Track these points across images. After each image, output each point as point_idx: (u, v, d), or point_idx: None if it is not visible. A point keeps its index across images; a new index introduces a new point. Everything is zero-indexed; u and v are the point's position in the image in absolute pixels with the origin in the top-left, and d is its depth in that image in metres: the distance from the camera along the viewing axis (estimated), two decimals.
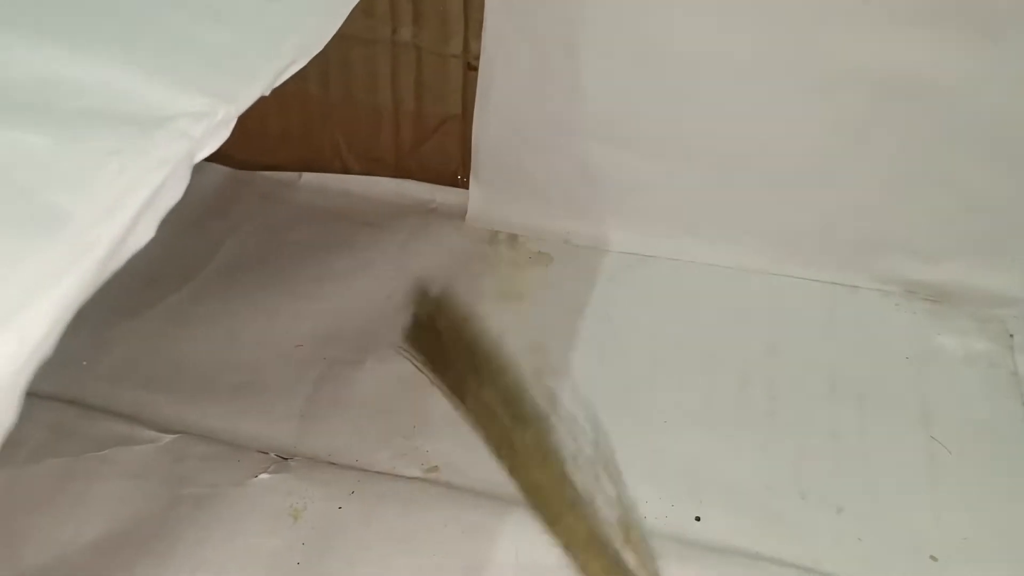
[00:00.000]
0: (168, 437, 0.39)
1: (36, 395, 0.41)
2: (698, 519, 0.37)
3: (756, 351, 0.45)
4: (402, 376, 0.43)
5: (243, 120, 0.60)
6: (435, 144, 0.54)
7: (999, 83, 0.42)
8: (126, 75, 0.25)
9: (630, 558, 0.34)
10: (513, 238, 0.52)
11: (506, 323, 0.46)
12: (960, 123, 0.44)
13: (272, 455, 0.39)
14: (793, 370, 0.44)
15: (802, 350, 0.45)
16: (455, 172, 0.54)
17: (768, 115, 0.47)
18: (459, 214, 0.53)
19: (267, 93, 0.26)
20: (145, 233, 0.22)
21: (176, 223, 0.58)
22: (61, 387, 0.41)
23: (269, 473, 0.38)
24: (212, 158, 0.58)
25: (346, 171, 0.56)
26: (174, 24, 0.28)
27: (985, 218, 0.47)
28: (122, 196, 0.21)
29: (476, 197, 0.53)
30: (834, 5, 0.43)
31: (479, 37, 0.48)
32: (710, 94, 0.47)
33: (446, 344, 0.43)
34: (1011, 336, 0.46)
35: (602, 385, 0.43)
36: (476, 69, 0.49)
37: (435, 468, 0.39)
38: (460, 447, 0.40)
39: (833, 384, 0.44)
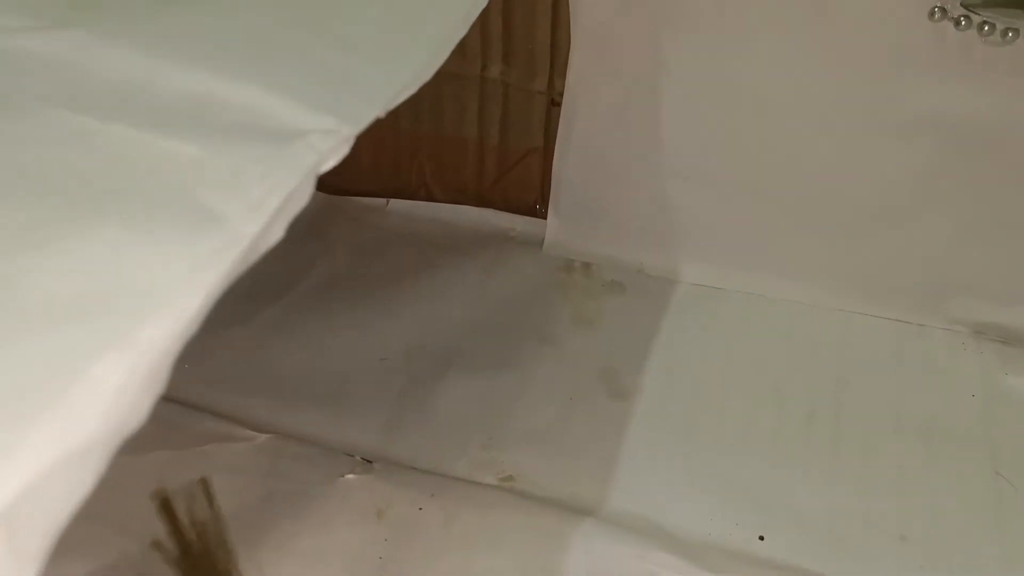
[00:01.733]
0: (263, 436, 0.42)
1: None
2: (762, 538, 0.39)
3: (824, 383, 0.46)
4: (480, 391, 0.46)
5: None
6: (517, 176, 0.56)
7: None
8: (267, 95, 0.28)
9: None
10: (587, 267, 0.54)
11: (578, 348, 0.48)
12: None
13: (358, 458, 0.41)
14: (860, 402, 0.45)
15: (869, 384, 0.46)
16: (535, 203, 0.57)
17: (843, 157, 0.49)
18: (537, 242, 0.56)
19: (382, 115, 0.29)
20: (277, 232, 0.25)
21: (275, 245, 0.61)
22: (168, 387, 0.44)
23: (355, 474, 0.40)
24: None
25: (431, 199, 0.59)
26: (309, 49, 0.31)
27: None
28: (263, 198, 0.24)
29: (554, 227, 0.55)
30: (909, 54, 0.44)
31: (564, 75, 0.51)
32: (786, 135, 0.49)
33: None
34: None
35: (671, 410, 0.45)
36: (560, 105, 0.52)
37: (510, 478, 0.41)
38: (534, 459, 0.42)
39: (899, 417, 0.44)
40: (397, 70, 0.31)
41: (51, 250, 0.22)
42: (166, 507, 0.38)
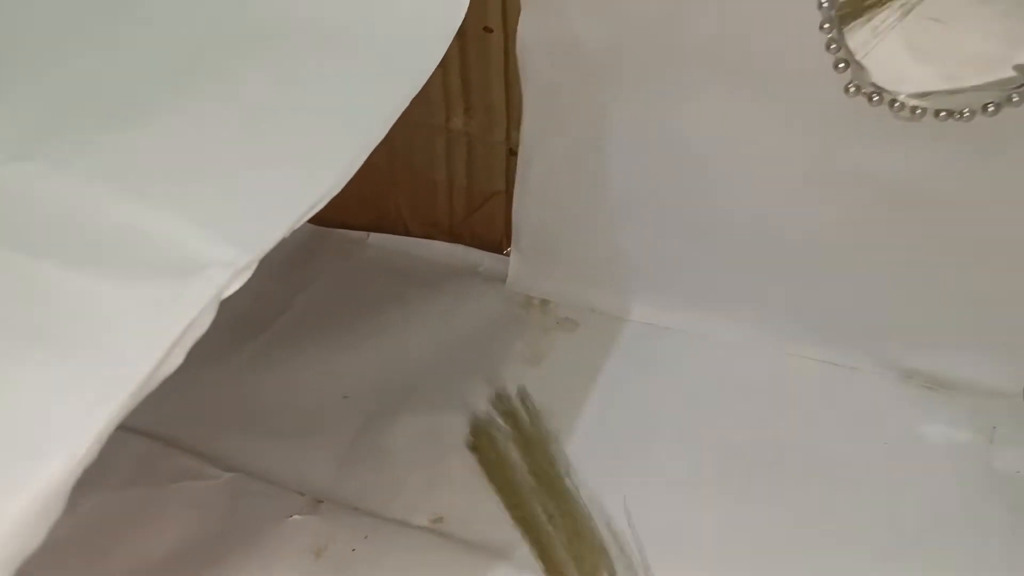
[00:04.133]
0: (228, 475, 0.47)
1: (128, 429, 0.50)
2: None
3: (746, 427, 0.50)
4: (429, 431, 0.50)
5: None
6: (483, 216, 0.60)
7: (990, 195, 0.46)
8: (179, 226, 0.32)
9: None
10: (545, 303, 0.58)
11: (525, 384, 0.53)
12: (956, 228, 0.47)
13: (308, 497, 0.46)
14: (776, 447, 0.49)
15: (788, 429, 0.50)
16: (500, 241, 0.61)
17: (780, 206, 0.51)
18: (502, 279, 0.60)
19: (287, 235, 0.34)
20: (175, 360, 0.30)
21: (261, 275, 0.67)
22: (149, 423, 0.50)
23: (302, 515, 0.45)
24: None
25: (408, 234, 0.63)
26: (228, 173, 0.35)
27: (979, 314, 0.50)
28: (159, 334, 0.29)
29: (515, 265, 0.59)
30: (834, 117, 0.47)
31: (519, 127, 0.54)
32: (726, 185, 0.52)
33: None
34: (994, 428, 0.49)
35: (598, 450, 0.49)
36: (517, 154, 0.56)
37: (440, 519, 0.46)
38: (466, 502, 0.46)
39: (811, 464, 0.48)
40: (310, 192, 0.35)
41: None
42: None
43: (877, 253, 0.50)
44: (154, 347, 0.29)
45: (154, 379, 0.29)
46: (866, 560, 0.44)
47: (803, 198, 0.50)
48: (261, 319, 0.58)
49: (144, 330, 0.29)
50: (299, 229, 0.69)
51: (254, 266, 0.32)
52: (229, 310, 0.62)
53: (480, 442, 0.49)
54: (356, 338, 0.57)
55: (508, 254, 0.59)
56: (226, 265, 0.31)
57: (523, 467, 0.47)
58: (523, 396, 0.51)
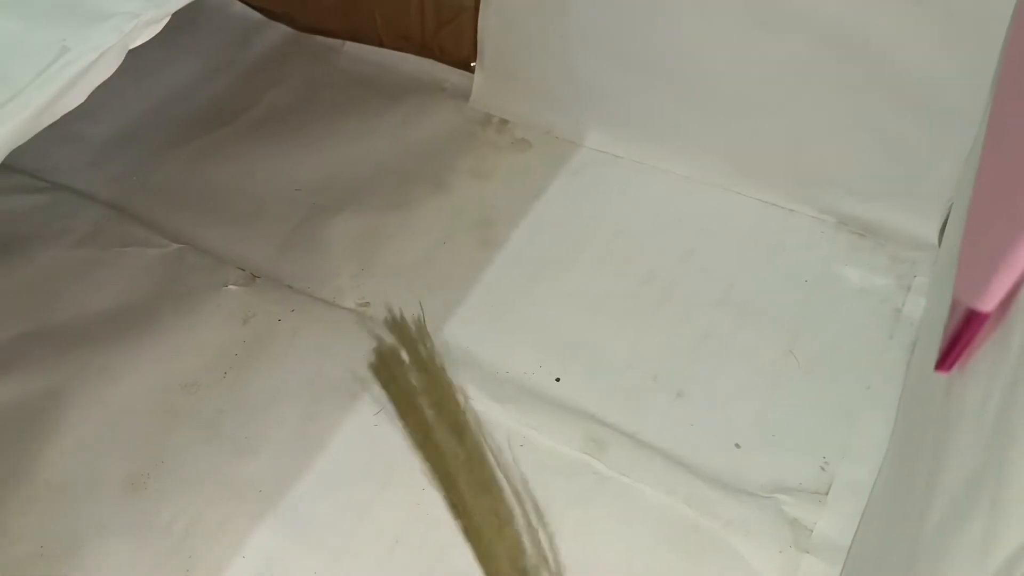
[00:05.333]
0: (174, 246, 0.50)
1: (89, 197, 0.53)
2: (558, 380, 0.46)
3: (672, 254, 0.51)
4: (368, 229, 0.53)
5: None
6: (453, 31, 0.60)
7: (923, 42, 0.45)
8: None
9: None
10: (504, 123, 0.59)
11: (467, 197, 0.54)
12: (888, 77, 0.47)
13: (246, 272, 0.49)
14: (698, 276, 0.50)
15: (714, 260, 0.51)
16: (468, 58, 0.61)
17: (726, 45, 0.51)
18: (465, 96, 0.60)
19: None
20: (76, 98, 0.32)
21: (234, 72, 0.69)
22: (109, 194, 0.53)
23: (237, 285, 0.49)
24: (278, 19, 0.68)
25: (381, 45, 0.64)
26: None
27: (908, 165, 0.50)
28: (57, 71, 0.31)
29: (479, 82, 0.60)
30: None
31: None
32: (677, 21, 0.52)
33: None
34: (914, 277, 0.50)
35: (527, 261, 0.51)
36: None
37: (366, 304, 0.49)
38: (392, 290, 0.49)
39: (727, 293, 0.49)
40: None
41: None
42: None
43: (819, 99, 0.50)
44: (51, 83, 0.31)
45: (50, 112, 0.31)
46: (762, 385, 0.45)
47: (749, 36, 0.50)
48: (227, 112, 0.60)
49: (38, 64, 0.31)
50: (277, 32, 0.70)
51: (163, 21, 0.34)
52: (196, 101, 0.64)
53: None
54: (315, 138, 0.58)
55: (474, 67, 0.60)
56: (132, 16, 0.33)
57: None
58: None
